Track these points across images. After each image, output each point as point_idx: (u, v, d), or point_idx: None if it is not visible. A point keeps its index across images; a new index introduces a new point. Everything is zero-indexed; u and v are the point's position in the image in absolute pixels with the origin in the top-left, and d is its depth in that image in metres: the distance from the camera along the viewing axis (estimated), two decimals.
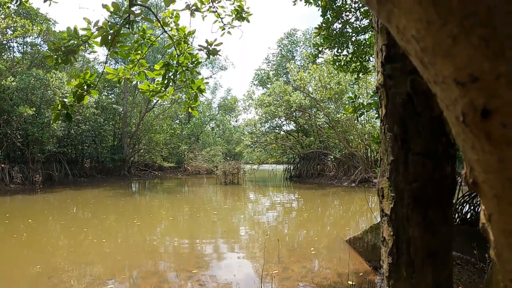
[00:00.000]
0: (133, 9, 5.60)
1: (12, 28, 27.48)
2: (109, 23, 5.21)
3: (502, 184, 0.70)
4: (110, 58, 5.89)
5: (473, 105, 0.66)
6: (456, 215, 10.38)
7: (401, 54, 2.13)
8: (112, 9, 5.29)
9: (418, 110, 2.10)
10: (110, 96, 48.33)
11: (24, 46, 39.53)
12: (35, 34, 33.05)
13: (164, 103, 51.29)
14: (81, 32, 5.27)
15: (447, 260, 2.22)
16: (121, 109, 46.06)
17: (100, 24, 5.21)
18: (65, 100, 5.79)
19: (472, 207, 10.63)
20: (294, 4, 11.70)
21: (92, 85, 5.81)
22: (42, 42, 39.83)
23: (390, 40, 2.21)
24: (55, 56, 5.23)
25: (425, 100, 2.08)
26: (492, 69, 0.61)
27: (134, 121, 50.32)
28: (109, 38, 5.12)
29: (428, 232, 2.17)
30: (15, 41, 37.17)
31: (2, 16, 24.86)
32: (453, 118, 0.74)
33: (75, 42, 5.26)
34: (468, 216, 10.52)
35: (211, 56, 7.14)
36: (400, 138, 2.21)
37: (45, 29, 33.65)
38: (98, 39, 5.29)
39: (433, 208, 2.16)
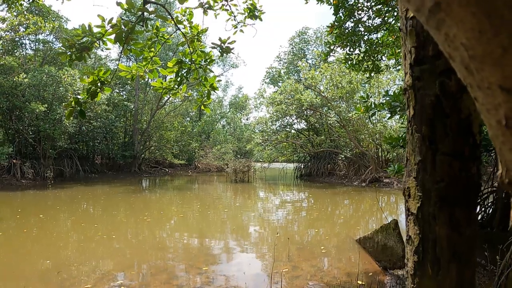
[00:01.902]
0: (147, 6, 5.61)
1: (25, 25, 27.66)
2: (123, 20, 5.23)
3: None
4: (121, 54, 5.91)
5: None
6: None
7: (431, 56, 2.18)
8: (126, 7, 5.31)
9: (447, 111, 2.16)
10: (121, 93, 48.60)
11: (36, 43, 39.77)
12: (47, 31, 33.17)
13: (175, 101, 51.50)
14: (95, 29, 5.29)
15: (471, 259, 2.28)
16: (132, 106, 46.21)
17: (114, 21, 5.22)
18: (79, 97, 5.82)
19: (483, 209, 10.55)
20: (306, 3, 11.67)
21: (105, 82, 5.84)
22: (54, 39, 40.09)
23: (420, 42, 2.28)
24: (69, 53, 5.25)
25: (453, 102, 2.14)
26: None
27: (145, 118, 50.56)
28: (123, 35, 5.14)
29: (455, 231, 2.23)
30: (27, 38, 37.37)
31: (15, 13, 25.01)
32: (493, 121, 0.78)
33: (89, 39, 5.28)
34: (480, 218, 10.45)
35: (224, 54, 7.15)
36: (428, 138, 2.27)
37: (57, 26, 33.82)
38: (112, 36, 5.31)
39: (459, 207, 2.22)
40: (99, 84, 5.79)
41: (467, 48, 0.75)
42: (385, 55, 11.36)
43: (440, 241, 2.26)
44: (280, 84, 50.23)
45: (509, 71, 0.69)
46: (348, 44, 10.60)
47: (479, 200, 10.45)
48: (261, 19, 7.70)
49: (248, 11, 7.54)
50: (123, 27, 5.18)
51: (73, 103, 5.71)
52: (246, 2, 7.47)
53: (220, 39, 6.94)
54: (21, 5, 12.20)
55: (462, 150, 2.18)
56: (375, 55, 11.00)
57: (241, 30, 7.74)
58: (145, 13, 5.46)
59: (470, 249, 2.28)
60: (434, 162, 2.26)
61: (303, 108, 35.66)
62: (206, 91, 7.14)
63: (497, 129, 0.78)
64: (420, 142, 2.32)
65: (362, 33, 10.56)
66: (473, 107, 2.09)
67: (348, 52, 10.87)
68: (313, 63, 54.55)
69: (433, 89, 2.19)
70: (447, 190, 2.22)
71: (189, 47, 6.84)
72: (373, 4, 10.03)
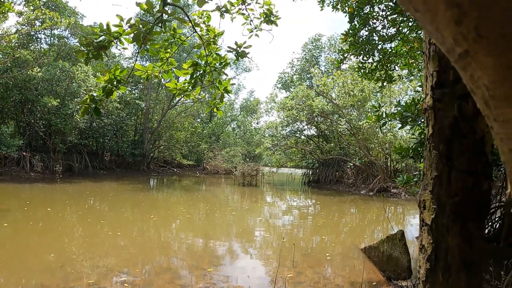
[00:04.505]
0: (165, 8, 5.65)
1: (41, 19, 27.83)
2: (142, 21, 5.26)
3: None
4: (136, 54, 5.98)
5: None
6: None
7: (451, 80, 2.33)
8: (145, 7, 5.35)
9: (464, 132, 2.33)
10: (133, 92, 48.74)
11: (52, 38, 40.06)
12: (63, 26, 33.41)
13: (186, 101, 51.52)
14: (113, 29, 5.33)
15: (480, 268, 2.44)
16: (143, 105, 46.40)
17: (132, 21, 5.27)
18: (94, 94, 5.87)
19: (490, 223, 10.51)
20: (321, 10, 11.71)
21: (121, 81, 5.89)
22: (69, 35, 40.38)
23: (441, 67, 2.45)
24: (86, 51, 5.30)
25: (469, 124, 2.29)
26: None
27: (156, 117, 50.72)
28: (141, 36, 5.17)
29: (466, 242, 2.38)
30: (42, 32, 37.62)
31: (32, 7, 25.17)
32: (506, 149, 0.92)
33: (107, 38, 5.33)
34: (486, 232, 10.40)
35: (239, 58, 7.18)
36: (445, 156, 2.43)
37: (73, 22, 33.99)
38: (129, 36, 5.35)
39: (471, 220, 2.38)
40: (115, 82, 5.84)
41: (488, 88, 0.87)
42: (398, 65, 11.36)
43: (452, 250, 2.40)
44: (292, 89, 50.18)
45: None
46: (362, 52, 10.60)
47: None
48: (276, 25, 7.71)
49: (264, 16, 7.56)
50: (141, 27, 5.22)
51: (88, 100, 5.76)
52: (262, 7, 7.50)
53: (236, 43, 6.98)
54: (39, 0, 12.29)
55: (476, 168, 2.32)
56: (388, 64, 10.99)
57: (257, 35, 7.76)
58: (164, 15, 5.50)
59: (480, 259, 2.42)
60: (449, 178, 2.40)
61: (314, 114, 35.58)
62: (219, 94, 7.18)
63: (509, 156, 0.91)
64: (437, 159, 2.47)
65: (376, 42, 10.55)
66: (487, 129, 2.25)
67: (361, 60, 10.87)
68: (326, 70, 54.50)
69: (452, 111, 2.37)
70: (461, 204, 2.37)
71: (205, 50, 6.88)
72: (388, 13, 10.03)
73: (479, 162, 2.31)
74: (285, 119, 37.78)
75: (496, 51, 0.81)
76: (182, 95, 7.36)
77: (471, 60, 0.89)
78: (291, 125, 40.15)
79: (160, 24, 5.56)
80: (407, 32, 10.33)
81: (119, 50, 46.15)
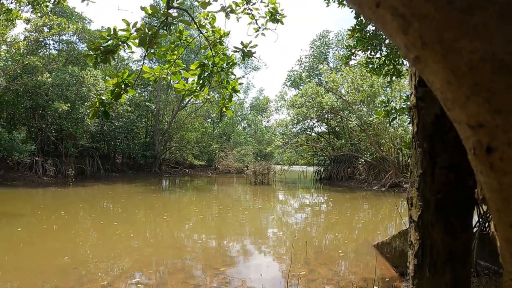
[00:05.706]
0: (170, 11, 5.68)
1: (49, 26, 28.00)
2: (147, 24, 5.30)
3: (501, 201, 0.94)
4: (144, 57, 6.02)
5: (480, 143, 0.91)
6: (487, 223, 10.23)
7: None
8: (150, 12, 5.38)
9: (445, 129, 2.38)
10: (143, 94, 48.93)
11: (60, 44, 40.30)
12: (70, 32, 33.55)
13: (196, 102, 51.56)
14: (120, 33, 5.37)
15: (466, 263, 2.48)
16: (153, 107, 46.56)
17: (138, 25, 5.30)
18: (103, 98, 5.92)
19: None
20: (327, 6, 11.68)
21: (129, 84, 5.93)
22: (77, 40, 40.62)
23: None
24: (95, 55, 5.35)
25: (451, 121, 2.29)
26: (492, 120, 0.85)
27: (166, 118, 50.83)
28: (147, 39, 5.21)
29: (450, 237, 2.41)
30: (51, 38, 37.84)
31: (39, 14, 25.33)
32: (467, 148, 0.99)
33: (114, 42, 5.37)
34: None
35: (245, 58, 7.19)
36: (428, 153, 2.48)
37: (80, 27, 34.16)
38: (136, 40, 5.38)
39: (455, 216, 2.42)
40: (123, 86, 5.88)
41: (441, 92, 0.96)
42: (406, 59, 11.29)
43: (436, 246, 2.44)
44: (301, 87, 50.01)
45: (471, 113, 0.88)
46: (369, 47, 10.56)
47: None
48: (282, 23, 7.72)
49: (270, 14, 7.57)
50: (147, 31, 5.25)
51: (97, 104, 5.81)
52: (267, 6, 7.50)
53: (242, 43, 6.99)
54: (46, 6, 12.35)
55: (459, 164, 2.36)
56: (396, 59, 10.94)
57: (263, 34, 7.76)
58: (169, 18, 5.52)
59: (465, 252, 2.45)
60: (433, 174, 2.44)
61: (324, 111, 35.41)
62: (228, 94, 7.20)
63: (470, 155, 0.99)
64: (421, 156, 2.52)
65: (383, 36, 10.52)
66: None
67: (369, 55, 10.83)
68: (334, 66, 54.29)
69: (434, 108, 2.42)
70: (444, 200, 2.41)
71: (211, 50, 6.90)
72: None
73: (462, 158, 2.31)
74: (295, 116, 37.67)
75: (439, 56, 0.88)
76: (191, 96, 7.39)
77: (424, 66, 0.97)
78: (301, 123, 40.05)
79: (165, 27, 5.59)
80: None
81: (127, 53, 46.40)
